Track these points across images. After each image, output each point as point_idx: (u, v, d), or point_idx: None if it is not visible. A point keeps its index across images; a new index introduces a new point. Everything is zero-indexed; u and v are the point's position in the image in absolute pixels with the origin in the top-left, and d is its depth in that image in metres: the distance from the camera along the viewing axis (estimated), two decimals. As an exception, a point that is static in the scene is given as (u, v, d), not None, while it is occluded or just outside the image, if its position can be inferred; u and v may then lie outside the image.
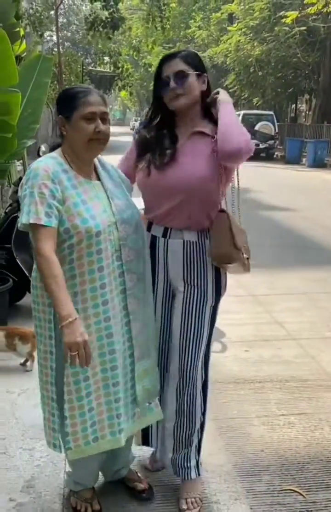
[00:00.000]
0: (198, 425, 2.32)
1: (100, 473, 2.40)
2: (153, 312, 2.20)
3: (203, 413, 2.33)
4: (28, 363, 3.60)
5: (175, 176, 2.11)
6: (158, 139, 2.17)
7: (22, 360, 3.63)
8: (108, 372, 2.04)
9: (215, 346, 4.04)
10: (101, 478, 2.44)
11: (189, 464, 2.33)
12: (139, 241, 2.11)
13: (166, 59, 2.12)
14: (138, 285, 2.11)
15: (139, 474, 2.48)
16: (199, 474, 2.36)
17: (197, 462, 2.36)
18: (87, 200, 1.97)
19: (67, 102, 1.97)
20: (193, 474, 2.34)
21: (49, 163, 1.96)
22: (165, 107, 2.16)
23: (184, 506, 2.27)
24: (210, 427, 2.92)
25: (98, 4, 14.05)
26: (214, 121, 2.14)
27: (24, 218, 1.88)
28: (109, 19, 14.07)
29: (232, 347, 4.02)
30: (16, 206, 4.58)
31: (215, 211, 2.19)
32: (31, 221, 1.86)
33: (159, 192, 2.15)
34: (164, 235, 2.21)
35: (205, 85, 2.16)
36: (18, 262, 4.36)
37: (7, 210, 4.85)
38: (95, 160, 2.10)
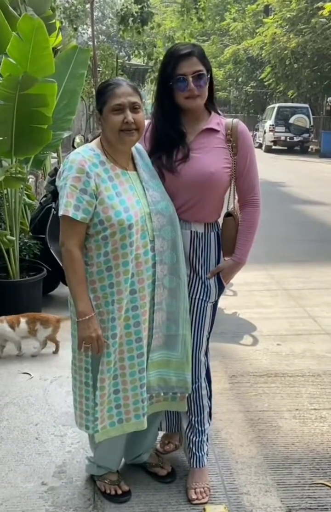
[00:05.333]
0: (207, 410, 2.36)
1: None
2: (187, 309, 2.19)
3: (209, 398, 2.38)
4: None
5: (188, 173, 2.12)
6: (167, 139, 2.16)
7: (54, 349, 3.68)
8: (135, 359, 2.10)
9: (246, 339, 4.03)
10: (122, 462, 2.47)
11: (202, 453, 2.36)
12: (174, 232, 2.12)
13: (183, 57, 2.07)
14: (168, 276, 2.12)
15: (160, 458, 2.49)
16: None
17: (207, 450, 2.40)
18: (122, 192, 2.00)
19: (99, 97, 2.01)
20: (205, 462, 2.37)
21: (86, 155, 1.99)
22: (171, 102, 2.14)
23: (193, 496, 2.29)
24: (241, 419, 2.93)
25: None
26: (209, 111, 2.22)
27: (59, 210, 1.97)
28: (139, 14, 14.03)
29: (264, 340, 3.99)
30: (50, 197, 4.62)
31: (222, 206, 2.26)
32: (60, 213, 1.95)
33: (173, 190, 2.16)
34: None
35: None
36: (52, 252, 4.41)
37: (42, 201, 4.89)
38: (133, 149, 2.12)
